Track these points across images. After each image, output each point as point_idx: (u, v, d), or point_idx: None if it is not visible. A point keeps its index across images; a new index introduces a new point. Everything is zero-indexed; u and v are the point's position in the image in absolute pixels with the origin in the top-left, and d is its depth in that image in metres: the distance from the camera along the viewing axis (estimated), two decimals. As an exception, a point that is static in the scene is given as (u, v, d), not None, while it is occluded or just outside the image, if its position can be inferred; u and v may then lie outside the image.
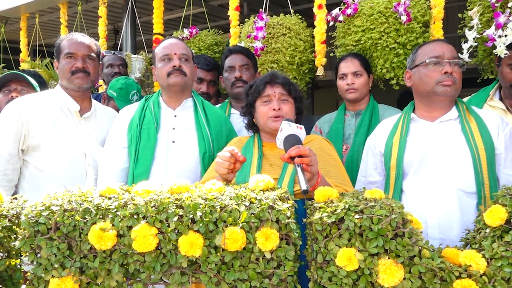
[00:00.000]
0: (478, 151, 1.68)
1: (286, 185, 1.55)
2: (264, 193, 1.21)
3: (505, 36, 2.07)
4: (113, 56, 3.52)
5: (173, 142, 2.01)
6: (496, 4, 2.18)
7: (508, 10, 2.12)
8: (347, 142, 2.40)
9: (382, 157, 1.90)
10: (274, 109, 1.72)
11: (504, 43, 2.06)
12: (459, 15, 2.43)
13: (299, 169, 1.32)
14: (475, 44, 2.29)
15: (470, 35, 2.28)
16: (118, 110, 2.67)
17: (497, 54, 2.10)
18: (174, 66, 2.00)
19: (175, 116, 2.08)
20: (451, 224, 1.67)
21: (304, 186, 1.26)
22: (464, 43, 2.31)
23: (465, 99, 2.25)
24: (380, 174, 1.94)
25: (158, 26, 3.85)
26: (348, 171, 1.97)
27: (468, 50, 2.29)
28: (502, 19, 2.12)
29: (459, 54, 2.24)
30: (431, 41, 2.05)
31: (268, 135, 1.78)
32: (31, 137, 2.03)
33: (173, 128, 2.04)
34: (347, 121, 2.45)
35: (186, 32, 3.48)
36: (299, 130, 1.48)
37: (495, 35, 2.12)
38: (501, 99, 2.19)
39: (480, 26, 2.27)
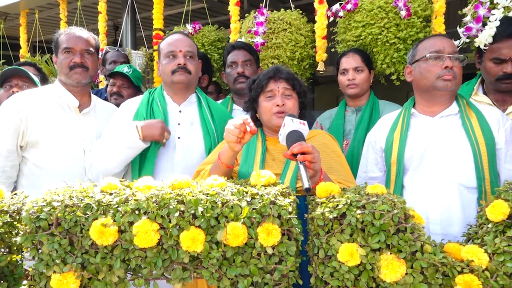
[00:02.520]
0: (479, 146, 1.68)
1: (288, 181, 1.55)
2: (265, 189, 1.20)
3: (485, 26, 2.10)
4: (117, 53, 3.52)
5: (179, 138, 1.99)
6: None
7: (487, 3, 2.17)
8: (347, 138, 2.40)
9: (383, 152, 1.90)
10: (277, 105, 1.68)
11: (488, 33, 2.07)
12: (459, 12, 2.42)
13: (301, 167, 1.30)
14: (468, 40, 2.29)
15: (462, 32, 2.29)
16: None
17: (475, 50, 2.13)
18: (179, 64, 1.98)
19: (180, 111, 2.06)
20: (452, 219, 1.67)
21: (306, 184, 1.24)
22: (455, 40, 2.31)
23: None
24: (380, 169, 1.94)
25: (158, 22, 3.83)
26: (348, 166, 1.97)
27: (458, 47, 2.29)
28: (481, 11, 2.18)
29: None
30: (431, 35, 2.04)
31: (271, 131, 1.76)
32: (29, 133, 2.01)
33: (178, 124, 2.03)
34: (348, 117, 2.45)
35: (189, 27, 3.46)
36: (302, 126, 1.46)
37: (472, 23, 2.20)
38: (485, 93, 2.15)
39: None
